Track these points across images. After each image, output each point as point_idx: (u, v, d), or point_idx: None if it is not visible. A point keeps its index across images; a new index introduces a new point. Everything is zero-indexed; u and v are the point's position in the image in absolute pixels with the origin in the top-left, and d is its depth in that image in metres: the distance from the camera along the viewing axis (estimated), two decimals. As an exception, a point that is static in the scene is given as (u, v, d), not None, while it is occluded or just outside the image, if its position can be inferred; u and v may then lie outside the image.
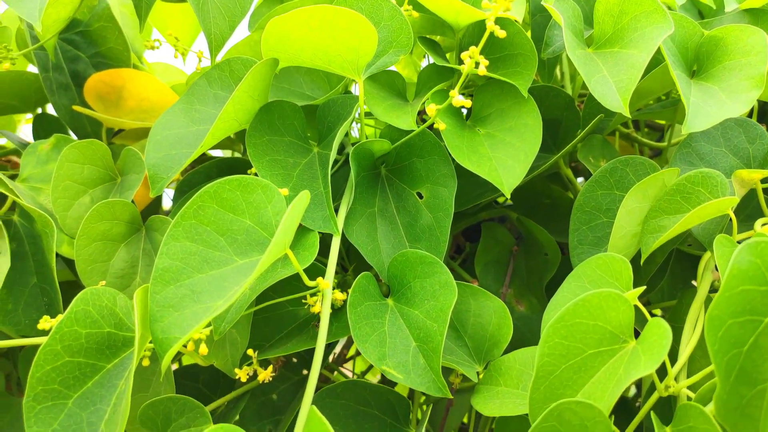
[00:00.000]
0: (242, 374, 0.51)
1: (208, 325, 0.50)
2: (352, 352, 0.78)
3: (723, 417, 0.36)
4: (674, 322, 0.56)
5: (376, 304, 0.53)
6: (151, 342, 0.48)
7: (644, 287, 0.44)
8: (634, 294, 0.43)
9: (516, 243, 0.71)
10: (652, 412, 0.42)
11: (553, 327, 0.42)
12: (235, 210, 0.47)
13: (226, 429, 0.38)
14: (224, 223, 0.46)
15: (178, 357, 0.67)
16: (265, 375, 0.51)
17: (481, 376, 0.54)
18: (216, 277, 0.46)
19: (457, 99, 0.51)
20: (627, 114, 0.49)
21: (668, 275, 0.62)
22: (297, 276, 0.56)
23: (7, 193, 0.55)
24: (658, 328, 0.39)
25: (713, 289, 0.53)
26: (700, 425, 0.39)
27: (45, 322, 0.47)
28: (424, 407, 0.60)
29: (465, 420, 0.75)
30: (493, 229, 0.71)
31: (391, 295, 0.55)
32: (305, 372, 0.63)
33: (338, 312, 0.56)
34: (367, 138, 0.61)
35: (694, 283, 0.63)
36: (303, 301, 0.52)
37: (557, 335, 0.42)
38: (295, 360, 0.63)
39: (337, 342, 0.72)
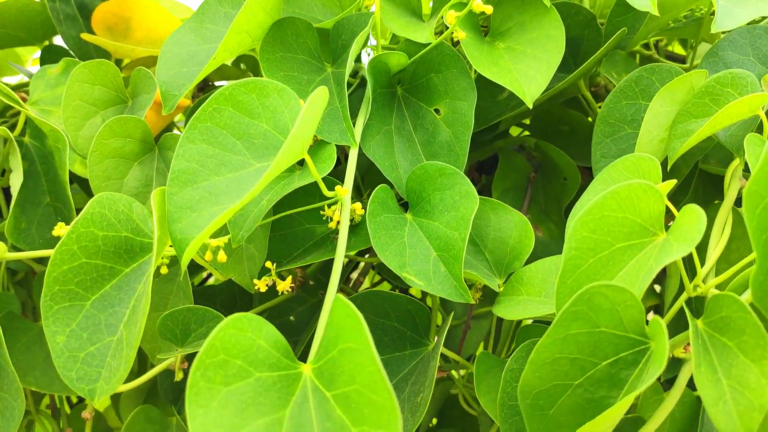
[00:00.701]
0: (261, 285, 0.50)
1: (226, 233, 0.49)
2: (367, 283, 0.77)
3: (759, 299, 0.35)
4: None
5: (394, 216, 0.52)
6: (170, 246, 0.48)
7: (675, 181, 0.43)
8: (666, 186, 0.41)
9: (534, 170, 0.70)
10: (684, 305, 0.41)
11: (581, 220, 0.41)
12: (251, 113, 0.46)
13: (246, 316, 0.37)
14: (240, 127, 0.45)
15: (194, 275, 0.66)
16: (284, 285, 0.50)
17: (501, 289, 0.53)
18: (233, 180, 0.45)
19: (478, 3, 0.50)
20: (655, 12, 0.48)
21: (691, 193, 0.60)
22: (314, 194, 0.55)
23: (16, 107, 0.54)
24: (692, 212, 0.38)
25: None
26: (734, 314, 0.38)
27: (59, 229, 0.46)
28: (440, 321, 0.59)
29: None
30: (511, 156, 0.70)
31: (410, 210, 0.54)
32: (322, 294, 0.63)
33: (356, 228, 0.55)
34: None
35: (717, 203, 0.61)
36: (321, 212, 0.52)
37: (585, 228, 0.41)
38: (311, 283, 0.63)
39: (353, 267, 0.71)
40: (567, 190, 0.66)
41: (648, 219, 0.41)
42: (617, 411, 0.34)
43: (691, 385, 0.47)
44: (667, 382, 0.55)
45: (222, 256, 0.47)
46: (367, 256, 0.68)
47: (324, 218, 0.51)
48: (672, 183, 0.42)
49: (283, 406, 0.37)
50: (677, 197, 0.60)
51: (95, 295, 0.43)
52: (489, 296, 0.68)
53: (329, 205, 0.51)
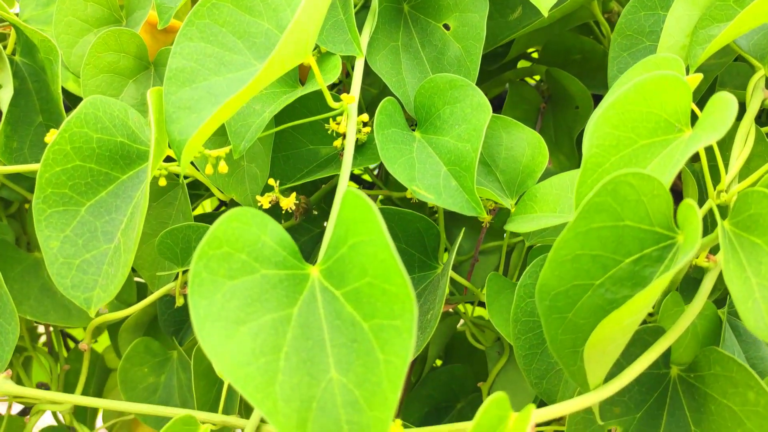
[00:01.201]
0: (264, 201, 0.48)
1: (227, 144, 0.47)
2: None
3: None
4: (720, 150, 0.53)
5: (402, 132, 0.50)
6: (164, 163, 0.45)
7: (702, 75, 0.41)
8: (693, 79, 0.39)
9: (544, 101, 0.68)
10: (713, 205, 0.39)
11: (603, 116, 0.38)
12: (252, 11, 0.43)
13: (251, 211, 0.35)
14: (241, 25, 0.43)
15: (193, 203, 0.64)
16: (288, 203, 0.48)
17: (513, 210, 0.51)
18: (234, 80, 0.42)
19: None
20: None
21: (709, 117, 0.58)
22: (319, 112, 0.53)
23: (4, 15, 0.51)
24: (722, 100, 0.36)
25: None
26: (764, 209, 0.36)
27: (51, 135, 0.44)
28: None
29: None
30: (520, 87, 0.68)
31: (418, 127, 0.51)
32: (326, 224, 0.61)
33: (362, 147, 0.53)
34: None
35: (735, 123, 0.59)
36: (326, 125, 0.49)
37: (607, 124, 0.39)
38: (315, 213, 0.61)
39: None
40: (579, 119, 0.64)
41: (673, 114, 0.39)
42: (642, 300, 0.32)
43: (712, 298, 0.45)
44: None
45: (223, 167, 0.45)
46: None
47: (329, 131, 0.49)
48: (699, 77, 0.40)
49: (290, 305, 0.35)
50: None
51: (90, 201, 0.41)
52: (496, 234, 0.66)
53: (335, 119, 0.49)
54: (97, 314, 0.57)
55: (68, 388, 0.64)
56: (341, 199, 0.36)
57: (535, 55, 0.74)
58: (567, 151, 0.65)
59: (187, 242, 0.48)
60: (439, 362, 0.74)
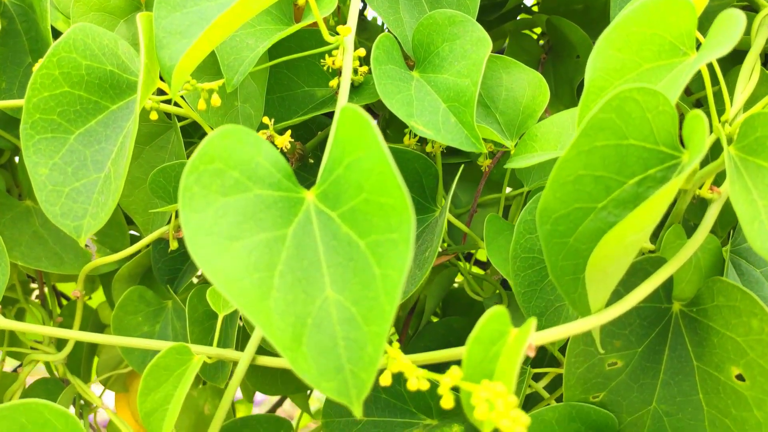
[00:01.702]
0: (258, 139, 0.47)
1: (219, 77, 0.46)
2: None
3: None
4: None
5: (400, 70, 0.49)
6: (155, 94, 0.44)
7: (707, -2, 0.39)
8: (700, 2, 0.38)
9: (544, 52, 0.67)
10: (719, 127, 0.38)
11: (607, 38, 0.37)
12: (246, -63, 0.42)
13: (244, 129, 0.34)
14: (234, -49, 0.42)
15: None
16: (283, 141, 0.47)
17: (513, 151, 0.50)
18: (225, 4, 0.41)
19: None
20: None
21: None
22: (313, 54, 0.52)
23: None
24: (729, 15, 0.35)
25: None
26: (770, 131, 0.35)
27: (38, 64, 0.43)
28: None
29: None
30: (520, 38, 0.66)
31: (416, 67, 0.50)
32: (323, 172, 0.60)
33: (358, 88, 0.52)
34: None
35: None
36: (321, 61, 0.48)
37: (611, 47, 0.38)
38: (311, 161, 0.60)
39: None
40: (580, 68, 0.63)
41: (679, 37, 0.38)
42: (645, 212, 0.32)
43: (714, 231, 0.45)
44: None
45: (216, 100, 0.44)
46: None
47: (325, 68, 0.48)
48: (705, 0, 0.39)
49: (285, 225, 0.34)
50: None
51: (80, 130, 0.40)
52: (495, 187, 0.65)
53: (330, 54, 0.48)
54: (90, 261, 0.56)
55: (61, 343, 0.63)
56: (338, 116, 0.35)
57: (535, 9, 0.73)
58: (567, 101, 0.64)
59: (179, 180, 0.47)
60: (435, 319, 0.73)
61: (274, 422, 0.64)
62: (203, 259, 0.31)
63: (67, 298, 0.75)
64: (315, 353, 0.31)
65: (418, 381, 0.33)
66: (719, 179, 0.43)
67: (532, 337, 0.33)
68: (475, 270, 0.74)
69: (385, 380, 0.35)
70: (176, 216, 0.52)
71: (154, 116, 0.45)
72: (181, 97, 0.46)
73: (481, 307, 0.69)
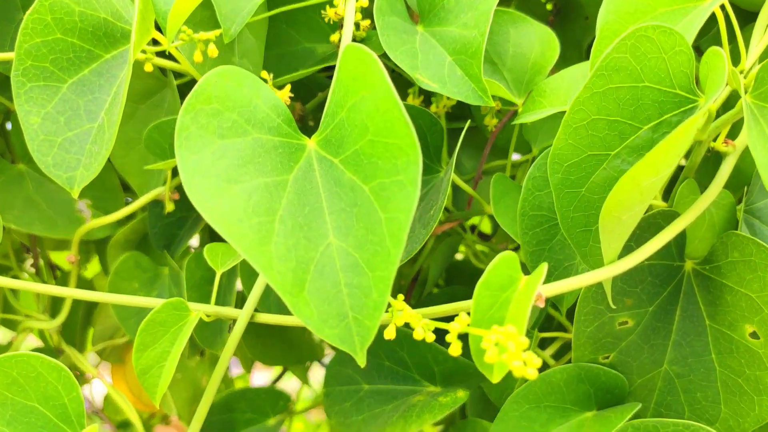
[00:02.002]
0: (257, 94, 0.46)
1: (217, 27, 0.44)
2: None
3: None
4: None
5: (404, 23, 0.47)
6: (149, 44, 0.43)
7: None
8: (714, -60, 0.37)
9: (552, 14, 0.65)
10: (736, 73, 0.37)
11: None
12: None
13: (242, 71, 0.33)
14: None
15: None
16: (283, 95, 0.46)
17: (521, 108, 0.48)
18: (225, -50, 0.40)
19: None
20: None
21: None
22: (313, 7, 0.50)
23: None
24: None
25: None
26: (790, 76, 0.34)
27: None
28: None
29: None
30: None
31: (421, 21, 0.49)
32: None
33: (360, 43, 0.50)
34: None
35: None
36: (322, 12, 0.47)
37: (624, -10, 0.36)
38: (311, 123, 0.58)
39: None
40: (589, 30, 0.61)
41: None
42: (663, 152, 0.30)
43: (728, 187, 0.43)
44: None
45: (213, 50, 0.43)
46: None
47: (326, 20, 0.46)
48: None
49: (285, 171, 0.33)
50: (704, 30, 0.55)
51: (73, 78, 0.39)
52: (500, 153, 0.64)
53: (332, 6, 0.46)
54: (84, 225, 0.55)
55: (56, 312, 0.62)
56: (341, 56, 0.33)
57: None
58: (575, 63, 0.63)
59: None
60: (435, 290, 0.72)
61: (272, 395, 0.63)
62: (201, 200, 0.29)
63: (61, 271, 0.74)
64: (317, 299, 0.29)
65: (424, 331, 0.31)
66: (733, 133, 0.42)
67: (543, 287, 0.32)
68: (479, 245, 0.73)
69: (390, 334, 0.34)
70: (172, 176, 0.50)
71: (149, 67, 0.43)
72: (177, 49, 0.44)
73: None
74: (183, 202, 0.55)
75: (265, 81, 0.47)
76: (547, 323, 0.56)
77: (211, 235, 0.61)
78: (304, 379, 0.66)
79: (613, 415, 0.40)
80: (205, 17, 0.47)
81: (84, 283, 0.68)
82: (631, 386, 0.42)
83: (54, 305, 0.62)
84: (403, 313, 0.33)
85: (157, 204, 0.55)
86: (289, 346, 0.62)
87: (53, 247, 0.65)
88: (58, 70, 0.38)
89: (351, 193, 0.32)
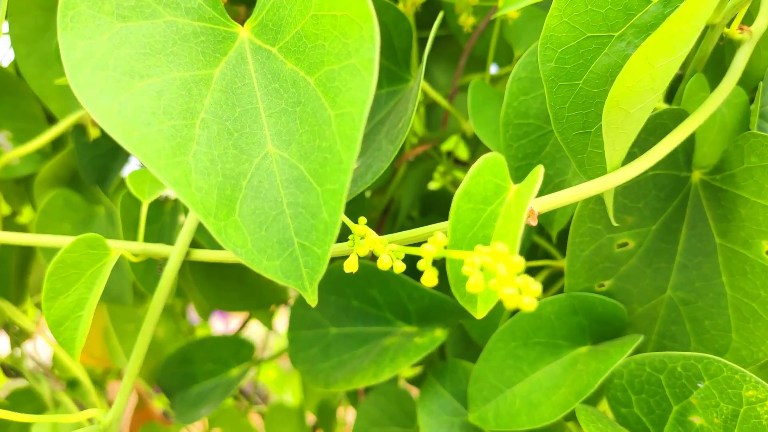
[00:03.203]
0: None
1: None
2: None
3: None
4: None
5: None
6: None
7: None
8: None
9: None
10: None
11: None
12: None
13: None
14: None
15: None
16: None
17: (501, 2, 0.41)
18: None
19: None
20: None
21: None
22: None
23: None
24: None
25: None
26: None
27: None
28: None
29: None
30: None
31: None
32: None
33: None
34: None
35: None
36: None
37: None
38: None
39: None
40: None
41: None
42: (681, 21, 0.24)
43: (741, 84, 0.37)
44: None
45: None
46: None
47: None
48: None
49: (209, 65, 0.26)
50: None
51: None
52: (478, 64, 0.57)
53: None
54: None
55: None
56: None
57: None
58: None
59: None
60: (408, 223, 0.66)
61: (234, 343, 0.57)
62: (91, 98, 0.22)
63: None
64: (252, 224, 0.23)
65: (391, 259, 0.25)
66: (749, 20, 0.35)
67: (534, 201, 0.26)
68: (457, 171, 0.67)
69: (351, 266, 0.28)
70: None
71: None
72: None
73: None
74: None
75: None
76: (532, 251, 0.51)
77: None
78: (269, 325, 0.61)
79: (611, 350, 0.35)
80: None
81: (17, 229, 0.61)
82: (631, 316, 0.37)
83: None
84: (365, 239, 0.27)
85: (83, 132, 0.47)
86: (249, 290, 0.56)
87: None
88: None
89: (293, 88, 0.25)
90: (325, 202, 0.23)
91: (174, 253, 0.32)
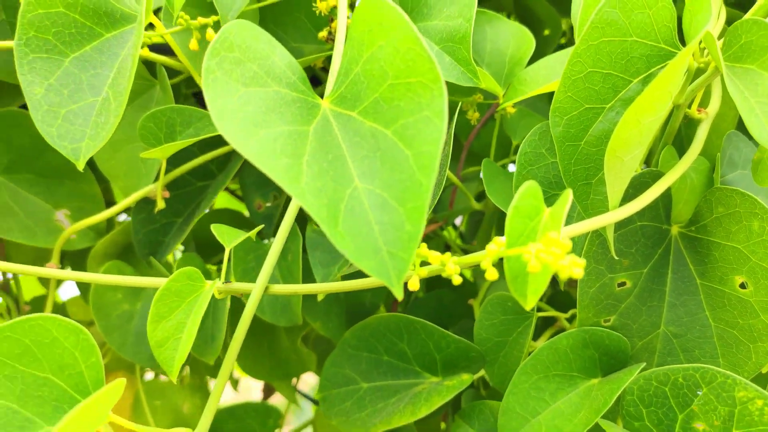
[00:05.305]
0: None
1: (215, 14, 0.45)
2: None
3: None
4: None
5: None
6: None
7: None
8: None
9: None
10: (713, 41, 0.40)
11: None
12: None
13: (258, 28, 0.34)
14: None
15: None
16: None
17: (503, 99, 0.51)
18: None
19: None
20: None
21: None
22: (299, 9, 0.52)
23: None
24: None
25: None
26: (754, 36, 0.37)
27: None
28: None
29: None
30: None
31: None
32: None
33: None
34: None
35: None
36: (313, 6, 0.49)
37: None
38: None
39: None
40: (550, 43, 0.66)
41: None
42: (659, 89, 0.33)
43: (704, 153, 0.46)
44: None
45: (211, 34, 0.43)
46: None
47: (317, 12, 0.48)
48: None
49: (306, 123, 0.33)
50: None
51: (75, 53, 0.39)
52: (475, 160, 0.66)
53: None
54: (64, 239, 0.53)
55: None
56: (353, 17, 0.35)
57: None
58: (538, 77, 0.67)
59: (172, 125, 0.45)
60: (422, 294, 0.72)
61: (262, 411, 0.60)
62: (233, 138, 0.30)
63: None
64: (350, 235, 0.30)
65: (454, 268, 0.32)
66: (705, 103, 0.45)
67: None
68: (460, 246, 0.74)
69: (413, 285, 0.34)
70: (165, 172, 0.50)
71: (145, 52, 0.43)
72: (168, 39, 0.45)
73: (470, 282, 0.68)
74: (169, 208, 0.54)
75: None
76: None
77: (197, 245, 0.59)
78: (291, 397, 0.64)
79: (621, 375, 0.41)
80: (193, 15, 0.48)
81: (58, 308, 0.64)
82: (633, 349, 0.43)
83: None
84: (429, 257, 0.33)
85: (141, 210, 0.53)
86: (277, 360, 0.60)
87: (33, 258, 0.62)
88: (61, 44, 0.38)
89: (372, 139, 0.32)
90: (408, 218, 0.30)
91: (256, 288, 0.38)
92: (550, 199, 0.45)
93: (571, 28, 0.73)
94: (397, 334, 0.50)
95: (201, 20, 0.43)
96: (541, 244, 0.27)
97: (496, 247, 0.29)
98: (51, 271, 0.39)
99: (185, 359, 0.34)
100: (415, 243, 0.29)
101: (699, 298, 0.43)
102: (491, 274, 0.29)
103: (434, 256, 0.32)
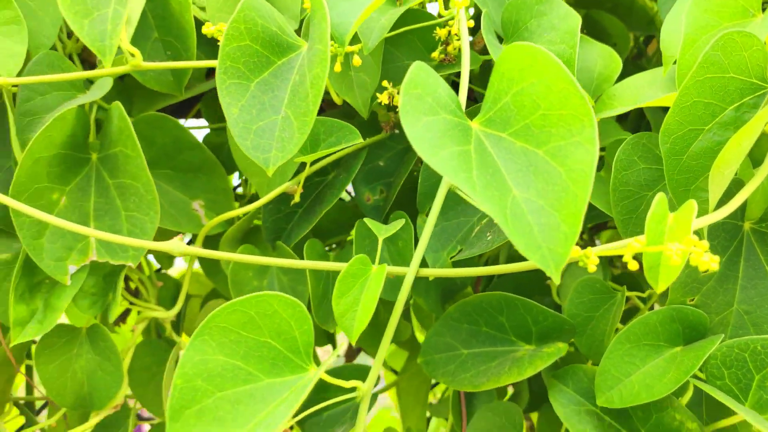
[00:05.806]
0: (383, 97, 0.54)
1: (358, 41, 0.52)
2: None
3: None
4: None
5: (496, 40, 0.57)
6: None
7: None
8: (762, -31, 0.48)
9: (581, 40, 0.76)
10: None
11: (695, 3, 0.47)
12: None
13: (425, 66, 0.41)
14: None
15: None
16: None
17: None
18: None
19: None
20: None
21: None
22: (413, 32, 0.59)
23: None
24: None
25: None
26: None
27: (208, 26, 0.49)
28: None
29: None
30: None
31: (505, 42, 0.59)
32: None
33: (456, 59, 0.59)
34: None
35: None
36: (433, 33, 0.56)
37: (698, 9, 0.47)
38: (396, 131, 0.66)
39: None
40: (619, 53, 0.73)
41: (748, 1, 0.47)
42: (756, 125, 0.40)
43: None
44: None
45: (357, 60, 0.51)
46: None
47: (437, 38, 0.55)
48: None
49: (467, 143, 0.41)
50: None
51: (257, 78, 0.46)
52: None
53: (441, 27, 0.55)
54: (199, 224, 0.61)
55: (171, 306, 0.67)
56: (501, 55, 0.42)
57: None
58: (606, 82, 0.74)
59: (316, 135, 0.53)
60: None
61: (363, 371, 0.69)
62: (425, 157, 0.37)
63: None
64: (519, 234, 0.37)
65: (595, 260, 0.40)
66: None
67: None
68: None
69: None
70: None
71: (337, 68, 0.51)
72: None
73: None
74: (290, 199, 0.62)
75: (386, 89, 0.56)
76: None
77: (313, 231, 0.67)
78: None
79: (704, 344, 0.49)
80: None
81: (173, 283, 0.73)
82: (711, 323, 0.52)
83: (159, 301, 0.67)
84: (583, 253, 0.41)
85: (269, 201, 0.61)
86: (378, 330, 0.68)
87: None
88: (247, 71, 0.46)
89: (524, 157, 0.40)
90: (563, 221, 0.37)
91: (410, 271, 0.46)
92: (641, 199, 0.53)
93: (636, 39, 0.80)
94: (498, 309, 0.58)
95: (348, 48, 0.50)
96: (682, 244, 0.35)
97: (638, 244, 0.37)
98: (194, 249, 0.48)
99: (364, 328, 0.43)
100: (571, 242, 0.37)
101: (767, 282, 0.51)
102: (632, 265, 0.37)
103: (575, 250, 0.41)
